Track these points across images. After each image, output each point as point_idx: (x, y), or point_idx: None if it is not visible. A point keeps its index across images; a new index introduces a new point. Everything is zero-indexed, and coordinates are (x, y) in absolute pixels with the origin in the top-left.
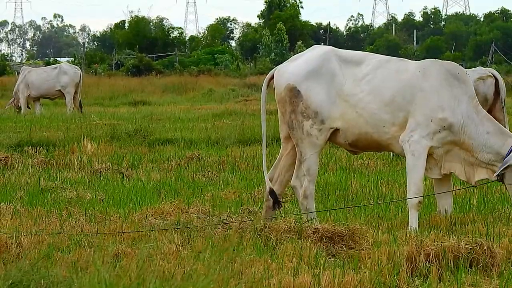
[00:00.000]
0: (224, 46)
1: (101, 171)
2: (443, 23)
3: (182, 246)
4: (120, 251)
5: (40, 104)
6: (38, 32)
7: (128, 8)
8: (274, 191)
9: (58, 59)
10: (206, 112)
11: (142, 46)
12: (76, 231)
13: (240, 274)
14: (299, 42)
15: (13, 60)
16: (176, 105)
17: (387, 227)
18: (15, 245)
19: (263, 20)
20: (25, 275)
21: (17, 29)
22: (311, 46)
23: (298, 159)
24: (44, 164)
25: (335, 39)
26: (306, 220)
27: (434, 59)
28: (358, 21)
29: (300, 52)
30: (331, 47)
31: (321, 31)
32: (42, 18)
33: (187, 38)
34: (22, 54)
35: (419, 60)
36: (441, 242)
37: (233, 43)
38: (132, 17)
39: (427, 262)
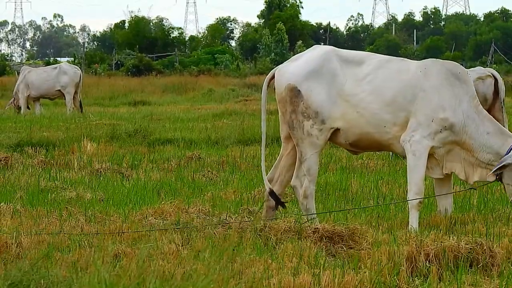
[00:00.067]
0: (224, 46)
1: (101, 171)
2: (443, 23)
3: (182, 246)
4: (120, 251)
5: (40, 104)
6: (38, 32)
7: (128, 8)
8: (274, 192)
9: (58, 59)
10: (206, 112)
11: (142, 46)
12: (76, 231)
13: (240, 274)
14: (299, 42)
15: (13, 60)
16: (176, 105)
17: (387, 227)
18: (15, 245)
19: (263, 20)
20: (25, 275)
21: (17, 29)
22: (311, 46)
23: (299, 159)
24: (44, 164)
25: (335, 39)
26: (306, 220)
27: (435, 59)
28: (358, 21)
29: (300, 52)
30: (331, 47)
31: (321, 31)
32: (42, 18)
33: (187, 38)
34: (22, 54)
35: (420, 60)
36: (441, 242)
37: (233, 43)
38: (132, 17)
39: (427, 262)
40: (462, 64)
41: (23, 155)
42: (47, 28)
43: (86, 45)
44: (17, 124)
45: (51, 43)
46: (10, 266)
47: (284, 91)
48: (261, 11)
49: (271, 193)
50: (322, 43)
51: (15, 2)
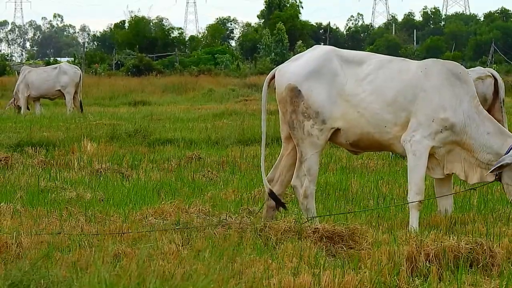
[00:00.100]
0: (224, 46)
1: (101, 171)
2: (443, 23)
3: (182, 246)
4: (120, 251)
5: (40, 104)
6: (38, 32)
7: (128, 8)
8: (274, 193)
9: (58, 59)
10: (206, 112)
11: (142, 46)
12: (76, 231)
13: (240, 274)
14: (299, 42)
15: (13, 60)
16: (176, 105)
17: (387, 227)
18: (15, 245)
19: (263, 20)
20: (25, 275)
21: (17, 29)
22: (311, 46)
23: (299, 159)
24: (44, 164)
25: (335, 39)
26: (306, 220)
27: (435, 59)
28: (358, 21)
29: (300, 52)
30: (332, 47)
31: (321, 31)
32: (42, 18)
33: (187, 38)
34: (22, 54)
35: (420, 60)
36: (441, 242)
37: (233, 43)
38: (132, 17)
39: (427, 262)
40: (462, 64)
41: (23, 155)
42: (47, 28)
43: (86, 45)
44: (17, 124)
45: (51, 43)
46: (10, 266)
47: (285, 91)
48: (261, 11)
49: (271, 193)
50: (322, 43)
51: (15, 2)
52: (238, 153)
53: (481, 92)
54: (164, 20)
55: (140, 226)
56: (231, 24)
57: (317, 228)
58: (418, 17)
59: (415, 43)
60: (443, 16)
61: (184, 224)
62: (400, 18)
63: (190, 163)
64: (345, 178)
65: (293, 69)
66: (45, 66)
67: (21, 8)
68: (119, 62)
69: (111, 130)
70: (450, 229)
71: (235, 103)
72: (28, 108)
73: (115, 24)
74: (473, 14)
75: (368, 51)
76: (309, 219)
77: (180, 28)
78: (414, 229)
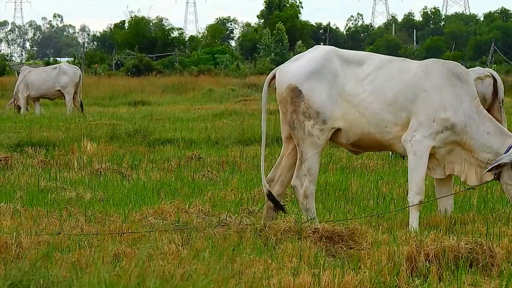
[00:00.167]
0: (224, 46)
1: (101, 171)
2: (443, 23)
3: (182, 246)
4: (120, 251)
5: (40, 104)
6: (38, 32)
7: (128, 8)
8: (272, 194)
9: (58, 59)
10: (206, 112)
11: (142, 46)
12: (76, 231)
13: (240, 274)
14: (299, 42)
15: (13, 60)
16: (176, 105)
17: (387, 227)
18: (15, 245)
19: (263, 20)
20: (25, 275)
21: (17, 29)
22: (311, 46)
23: (299, 158)
24: (44, 164)
25: (335, 39)
26: (306, 220)
27: (436, 59)
28: (358, 21)
29: (300, 52)
30: (332, 47)
31: (321, 31)
32: (42, 18)
33: (187, 38)
34: (22, 54)
35: (420, 60)
36: (441, 242)
37: (233, 43)
38: (132, 17)
39: (427, 262)
40: (462, 64)
41: (23, 155)
42: (47, 28)
43: (86, 45)
44: (17, 124)
45: (51, 43)
46: (10, 266)
47: (285, 91)
48: (261, 11)
49: (269, 195)
50: (322, 43)
51: (15, 2)
52: (238, 153)
53: (480, 92)
54: (164, 20)
55: (140, 226)
56: (231, 24)
57: (317, 228)
58: (418, 17)
59: (415, 43)
60: (443, 16)
61: (184, 224)
62: (400, 18)
63: (190, 163)
64: (345, 178)
65: (293, 69)
66: (45, 66)
67: (21, 8)
68: (119, 62)
69: (111, 130)
70: (450, 229)
71: (235, 103)
72: (27, 109)
73: (115, 24)
74: (473, 14)
75: (368, 51)
76: (309, 219)
77: (180, 29)
78: (414, 229)
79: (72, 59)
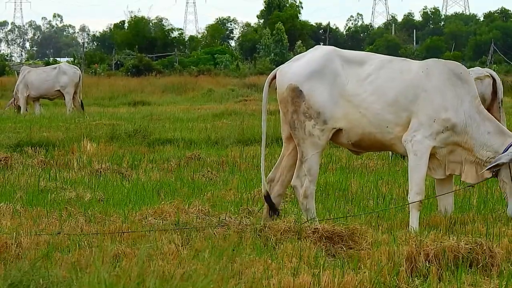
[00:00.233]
0: (224, 46)
1: (100, 171)
2: (442, 23)
3: (181, 246)
4: (120, 251)
5: (40, 104)
6: (37, 32)
7: (128, 8)
8: (270, 196)
9: (58, 59)
10: (205, 112)
11: (141, 46)
12: (75, 231)
13: (240, 274)
14: (299, 42)
15: (12, 60)
16: (175, 105)
17: (386, 227)
18: (15, 245)
19: (263, 20)
20: (24, 275)
21: (16, 29)
22: (310, 46)
23: (299, 159)
24: (44, 164)
25: (334, 39)
26: (306, 220)
27: (437, 59)
28: (358, 21)
29: (300, 52)
30: (333, 47)
31: (320, 31)
32: (42, 18)
33: (186, 38)
34: (21, 54)
35: (420, 60)
36: (441, 242)
37: (232, 43)
38: (132, 17)
39: (427, 262)
40: (462, 64)
41: (23, 155)
42: (47, 28)
43: (85, 45)
44: (17, 124)
45: (50, 43)
46: (9, 266)
47: (286, 91)
48: (261, 11)
49: (267, 197)
50: (322, 43)
51: (15, 2)
52: (238, 153)
53: (480, 92)
54: (163, 20)
55: (139, 226)
56: (230, 24)
57: (317, 228)
58: (417, 17)
59: (414, 43)
60: (443, 16)
61: (184, 224)
62: (399, 18)
63: (189, 163)
64: (345, 178)
65: (294, 69)
66: (45, 66)
67: (21, 8)
68: (118, 62)
69: (110, 130)
70: (449, 229)
71: (234, 103)
72: (26, 109)
73: (114, 24)
74: (472, 14)
75: (368, 51)
76: (309, 220)
77: (180, 29)
78: (414, 229)
79: (72, 59)
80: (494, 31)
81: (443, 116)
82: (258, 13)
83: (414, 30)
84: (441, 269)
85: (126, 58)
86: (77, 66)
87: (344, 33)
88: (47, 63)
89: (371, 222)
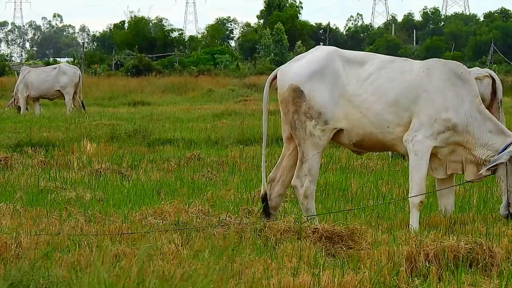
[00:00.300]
0: (224, 46)
1: (100, 171)
2: (442, 23)
3: (181, 246)
4: (119, 251)
5: (40, 104)
6: (37, 32)
7: (128, 8)
8: (266, 197)
9: (58, 59)
10: (205, 112)
11: (141, 46)
12: (75, 231)
13: (240, 274)
14: (299, 42)
15: (12, 61)
16: (175, 105)
17: (386, 227)
18: (15, 245)
19: (263, 20)
20: (24, 275)
21: (16, 29)
22: (310, 46)
23: (300, 159)
24: (44, 164)
25: (334, 39)
26: (306, 220)
27: (437, 59)
28: (358, 21)
29: (300, 52)
30: (334, 47)
31: (320, 31)
32: (42, 18)
33: (186, 38)
34: (21, 55)
35: (420, 60)
36: (441, 242)
37: (232, 43)
38: (132, 17)
39: (427, 262)
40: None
41: (23, 155)
42: (47, 28)
43: (85, 45)
44: (17, 124)
45: (50, 43)
46: (9, 266)
47: (287, 91)
48: (261, 11)
49: (264, 198)
50: (322, 43)
51: (15, 2)
52: (238, 153)
53: (480, 92)
54: (163, 20)
55: (139, 226)
56: (230, 24)
57: (317, 228)
58: (417, 17)
59: (414, 43)
60: (443, 16)
61: (184, 224)
62: (399, 18)
63: (189, 163)
64: (345, 178)
65: (295, 70)
66: (45, 66)
67: (21, 9)
68: (118, 63)
69: (110, 130)
70: (449, 229)
71: (234, 103)
72: (26, 109)
73: (114, 24)
74: (472, 14)
75: (368, 51)
76: (308, 218)
77: (180, 29)
78: (414, 229)
79: (72, 59)
80: (494, 31)
81: (444, 116)
82: (258, 13)
83: (414, 30)
84: (441, 269)
85: (126, 58)
86: (77, 66)
87: (344, 33)
88: (47, 63)
89: (371, 222)
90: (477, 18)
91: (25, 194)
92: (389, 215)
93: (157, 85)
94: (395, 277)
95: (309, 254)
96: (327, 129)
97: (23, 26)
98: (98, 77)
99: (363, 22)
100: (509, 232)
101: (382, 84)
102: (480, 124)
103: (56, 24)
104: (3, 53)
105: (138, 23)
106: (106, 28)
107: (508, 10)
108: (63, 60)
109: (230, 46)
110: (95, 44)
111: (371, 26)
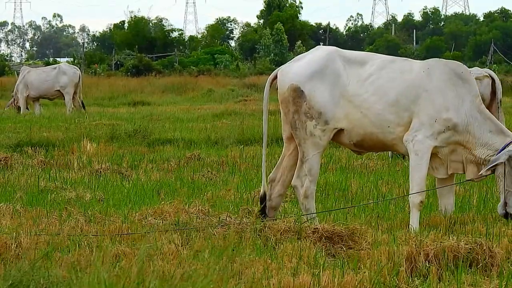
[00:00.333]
0: (224, 46)
1: (100, 171)
2: (442, 23)
3: (181, 246)
4: (119, 251)
5: (40, 104)
6: (37, 32)
7: (128, 9)
8: (265, 198)
9: (58, 59)
10: (205, 112)
11: (141, 46)
12: (75, 232)
13: (240, 274)
14: (299, 42)
15: (12, 61)
16: (175, 105)
17: (386, 227)
18: (15, 245)
19: (263, 21)
20: (24, 275)
21: (16, 29)
22: (310, 46)
23: (300, 159)
24: (44, 165)
25: (334, 39)
26: (306, 220)
27: (438, 59)
28: (358, 21)
29: (300, 52)
30: (335, 47)
31: (320, 31)
32: (42, 18)
33: (186, 38)
34: (21, 55)
35: (420, 60)
36: (441, 242)
37: (232, 43)
38: (132, 18)
39: (427, 262)
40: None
41: (23, 155)
42: (47, 28)
43: (85, 45)
44: (16, 124)
45: (50, 44)
46: (9, 266)
47: (287, 91)
48: (261, 11)
49: (262, 198)
50: (322, 43)
51: (15, 2)
52: (238, 153)
53: (479, 92)
54: (163, 21)
55: (139, 226)
56: (230, 24)
57: (317, 228)
58: (417, 17)
59: (414, 43)
60: (443, 16)
61: (184, 224)
62: (399, 18)
63: (189, 163)
64: (345, 178)
65: (296, 70)
66: (45, 66)
67: (21, 9)
68: (118, 63)
69: (110, 130)
70: (449, 229)
71: (234, 103)
72: (27, 108)
73: (114, 24)
74: (472, 14)
75: (368, 51)
76: (308, 218)
77: (180, 29)
78: (414, 229)
79: (72, 59)
80: (494, 31)
81: (444, 116)
82: (258, 13)
83: (414, 30)
84: (441, 269)
85: (126, 58)
86: (77, 66)
87: (344, 33)
88: (47, 63)
89: (371, 222)
90: (477, 18)
91: (25, 194)
92: (389, 215)
93: (157, 85)
94: (395, 277)
95: (309, 254)
96: (327, 129)
97: (23, 26)
98: (98, 77)
99: (363, 22)
100: (509, 232)
101: (383, 84)
102: (481, 124)
103: (56, 24)
104: (3, 53)
105: (138, 23)
106: (106, 28)
107: (508, 10)
108: (63, 60)
109: (230, 46)
110: (95, 44)
111: (371, 26)
